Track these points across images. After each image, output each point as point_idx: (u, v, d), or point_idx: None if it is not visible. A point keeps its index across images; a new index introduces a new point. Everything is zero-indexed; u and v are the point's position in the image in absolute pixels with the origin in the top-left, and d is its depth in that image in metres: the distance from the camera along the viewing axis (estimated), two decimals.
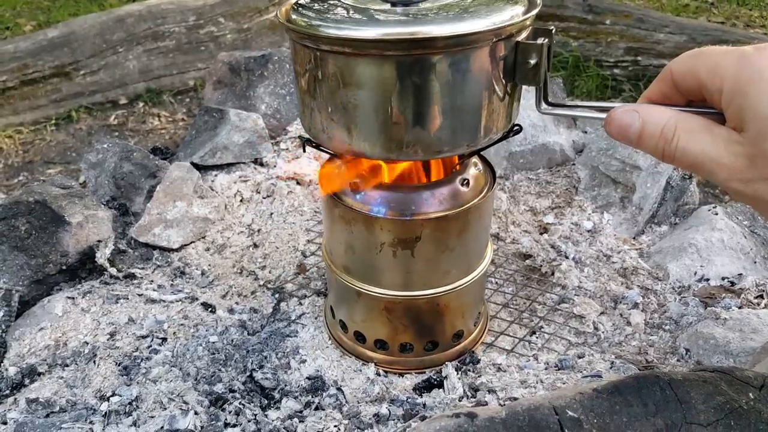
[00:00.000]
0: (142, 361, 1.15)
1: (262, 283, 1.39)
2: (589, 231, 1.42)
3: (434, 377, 1.08)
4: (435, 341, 1.12)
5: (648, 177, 1.39)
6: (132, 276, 1.37)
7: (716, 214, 1.32)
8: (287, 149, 1.78)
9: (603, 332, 1.22)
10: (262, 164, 1.71)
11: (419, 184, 1.03)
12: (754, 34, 3.20)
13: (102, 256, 1.36)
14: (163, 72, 3.56)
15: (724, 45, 0.58)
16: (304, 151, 1.06)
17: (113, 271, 1.36)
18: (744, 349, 1.06)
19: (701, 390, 0.73)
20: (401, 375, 1.13)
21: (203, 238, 1.51)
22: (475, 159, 1.07)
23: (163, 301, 1.30)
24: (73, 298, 1.29)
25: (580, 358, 1.16)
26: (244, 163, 1.70)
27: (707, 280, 1.25)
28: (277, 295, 1.35)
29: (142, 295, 1.32)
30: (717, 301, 1.18)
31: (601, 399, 0.71)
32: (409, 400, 1.03)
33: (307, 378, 1.11)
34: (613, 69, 3.51)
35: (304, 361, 1.15)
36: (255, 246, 1.50)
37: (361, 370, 1.13)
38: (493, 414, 0.71)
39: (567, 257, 1.37)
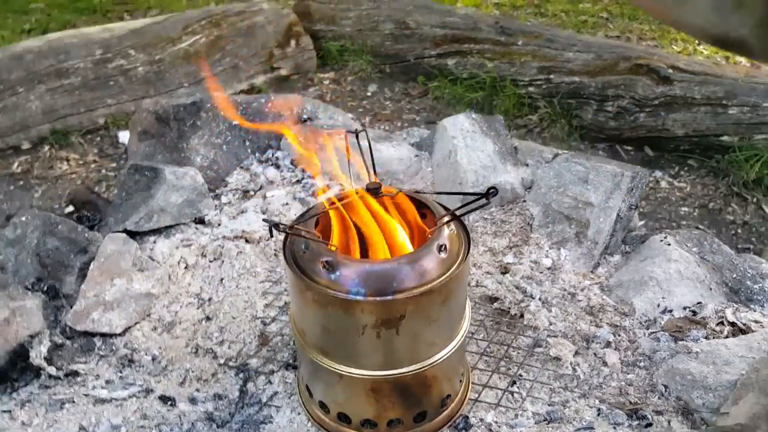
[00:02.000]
0: None
1: (222, 362, 1.28)
2: (549, 268, 1.42)
3: None
4: (423, 411, 1.07)
5: (600, 212, 1.41)
6: (74, 373, 1.22)
7: (669, 244, 1.36)
8: (229, 203, 1.67)
9: (581, 374, 1.22)
10: (204, 223, 1.60)
11: (396, 257, 0.97)
12: (652, 50, 3.40)
13: (37, 355, 1.20)
14: (69, 111, 3.32)
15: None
16: (271, 236, 0.98)
17: (52, 370, 1.21)
18: (720, 383, 1.08)
19: None
20: None
21: (148, 316, 1.38)
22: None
23: (115, 399, 1.17)
24: (10, 411, 1.13)
25: (564, 406, 1.15)
26: (184, 224, 1.57)
27: (671, 311, 1.28)
28: (241, 375, 1.25)
29: (89, 395, 1.18)
30: (685, 335, 1.21)
31: None
32: None
33: None
34: (528, 87, 3.62)
35: None
36: (208, 319, 1.38)
37: None
38: None
39: (533, 297, 1.37)
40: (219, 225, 1.58)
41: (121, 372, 1.25)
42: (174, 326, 1.36)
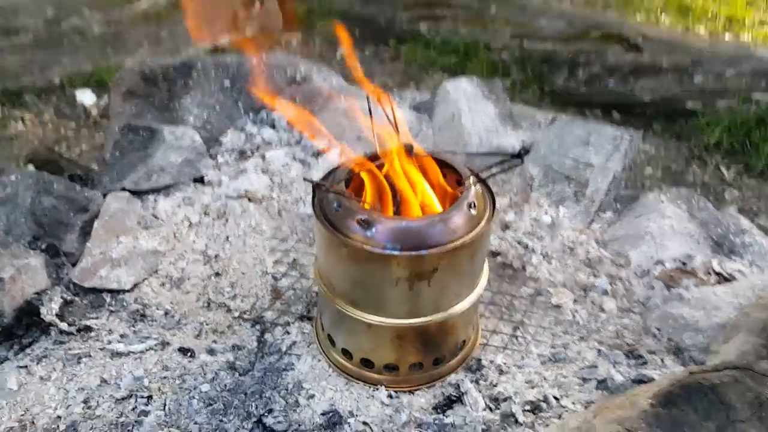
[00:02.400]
0: (132, 427, 1.05)
1: (236, 315, 1.32)
2: (548, 225, 1.51)
3: (453, 394, 1.10)
4: (442, 355, 1.14)
5: (599, 172, 1.51)
6: (87, 329, 1.24)
7: (662, 201, 1.47)
8: (227, 163, 1.68)
9: (581, 319, 1.32)
10: (203, 182, 1.61)
11: (430, 214, 1.03)
12: (621, 20, 3.51)
13: (48, 312, 1.21)
14: (20, 70, 3.21)
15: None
16: (314, 196, 1.02)
17: (64, 326, 1.22)
18: (711, 325, 1.19)
19: (736, 390, 0.81)
20: (411, 392, 1.14)
21: (156, 272, 1.39)
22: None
23: (133, 352, 1.19)
24: (26, 366, 1.14)
25: (566, 348, 1.24)
26: (183, 183, 1.58)
27: (663, 263, 1.39)
28: (257, 327, 1.29)
29: (104, 349, 1.20)
30: (678, 283, 1.32)
31: (660, 414, 0.77)
32: (436, 422, 1.04)
33: (321, 414, 1.08)
34: (501, 52, 3.69)
35: (312, 396, 1.12)
36: (217, 274, 1.41)
37: (373, 396, 1.12)
38: None
39: (534, 252, 1.45)
40: (220, 184, 1.60)
41: (134, 326, 1.27)
42: (183, 282, 1.39)
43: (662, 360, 1.19)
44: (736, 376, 0.85)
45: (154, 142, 1.53)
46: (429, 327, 1.08)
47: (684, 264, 1.37)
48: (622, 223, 1.49)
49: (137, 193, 1.52)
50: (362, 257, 1.01)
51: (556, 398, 1.08)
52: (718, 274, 1.35)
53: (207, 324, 1.30)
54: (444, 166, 1.12)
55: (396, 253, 0.98)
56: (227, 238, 1.50)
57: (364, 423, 1.04)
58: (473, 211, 1.04)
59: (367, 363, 1.14)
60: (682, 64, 3.28)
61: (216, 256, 1.45)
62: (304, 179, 1.02)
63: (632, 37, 3.42)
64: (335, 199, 1.03)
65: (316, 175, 1.67)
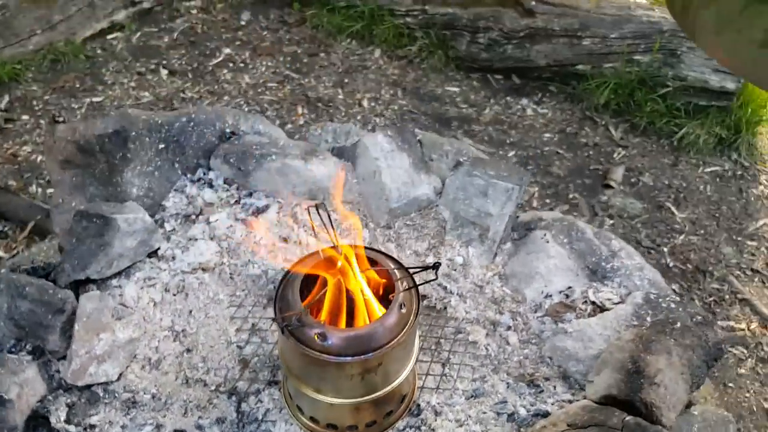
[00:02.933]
0: None
1: (213, 388, 1.60)
2: (461, 265, 1.86)
3: None
4: (391, 410, 1.50)
5: (497, 219, 1.85)
6: (92, 426, 1.49)
7: (547, 241, 1.84)
8: (174, 230, 1.88)
9: (492, 352, 1.70)
10: (157, 255, 1.81)
11: (372, 323, 1.33)
12: None
13: (58, 420, 1.45)
14: None
15: None
16: (283, 333, 1.29)
17: (72, 428, 1.47)
18: (587, 355, 1.61)
19: None
20: None
21: (135, 357, 1.64)
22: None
23: None
24: None
25: (484, 381, 1.63)
26: (140, 261, 1.78)
27: (551, 296, 1.78)
28: (233, 398, 1.59)
29: None
30: (562, 317, 1.72)
31: None
32: None
33: None
34: (406, 18, 3.86)
35: None
36: (188, 351, 1.67)
37: None
38: None
39: (452, 293, 1.80)
40: (174, 259, 1.81)
41: (128, 414, 1.53)
42: (161, 362, 1.64)
43: (554, 387, 1.60)
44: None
45: (109, 230, 1.70)
46: (379, 397, 1.42)
47: (567, 296, 1.78)
48: (518, 259, 1.86)
49: (103, 281, 1.71)
50: (323, 363, 1.32)
51: None
52: (593, 303, 1.77)
53: (190, 401, 1.57)
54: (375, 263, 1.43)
55: (348, 359, 1.30)
56: (190, 312, 1.74)
57: None
58: (403, 310, 1.36)
59: (332, 426, 1.48)
60: (571, 28, 3.60)
61: (183, 331, 1.71)
62: (273, 319, 1.28)
63: (526, 2, 3.68)
64: (295, 316, 1.32)
65: (259, 235, 1.91)
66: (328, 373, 1.34)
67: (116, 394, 1.56)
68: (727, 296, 2.76)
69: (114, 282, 1.74)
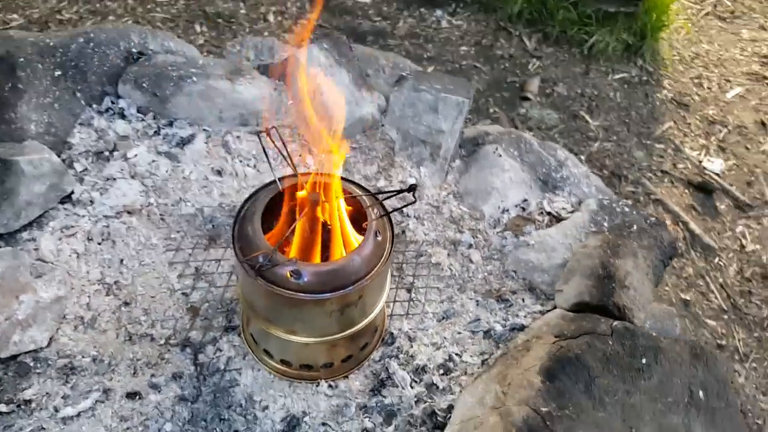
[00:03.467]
0: None
1: (162, 342, 1.46)
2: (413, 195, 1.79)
3: (381, 375, 1.42)
4: (366, 343, 1.45)
5: (449, 135, 1.78)
6: (27, 402, 1.31)
7: (500, 156, 1.81)
8: (86, 170, 1.65)
9: (456, 272, 1.68)
10: (73, 202, 1.59)
11: (349, 254, 1.24)
12: None
13: None
14: None
15: None
16: (254, 276, 1.16)
17: (2, 407, 1.28)
18: (552, 265, 1.63)
19: (590, 353, 1.23)
20: (346, 377, 1.44)
21: (65, 318, 1.45)
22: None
23: (83, 412, 1.31)
24: None
25: (452, 301, 1.61)
26: (53, 208, 1.55)
27: (508, 210, 1.77)
28: (188, 350, 1.46)
29: (53, 417, 1.29)
30: (522, 231, 1.72)
31: (550, 388, 1.17)
32: (378, 404, 1.36)
33: (280, 421, 1.34)
34: None
35: (266, 407, 1.36)
36: (126, 304, 1.50)
37: (317, 391, 1.40)
38: None
39: (409, 216, 1.74)
40: (92, 203, 1.59)
41: (67, 383, 1.36)
42: (95, 320, 1.46)
43: (523, 300, 1.61)
44: (588, 341, 1.27)
45: (11, 175, 1.45)
46: (356, 332, 1.36)
47: (523, 209, 1.78)
48: (471, 176, 1.82)
49: (11, 235, 1.48)
50: (299, 303, 1.22)
51: (458, 355, 1.46)
52: (549, 213, 1.78)
53: (137, 359, 1.42)
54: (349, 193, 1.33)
55: (327, 296, 1.21)
56: (121, 261, 1.55)
57: (323, 423, 1.34)
58: (379, 238, 1.28)
59: (306, 366, 1.40)
60: None
61: (116, 283, 1.52)
62: (240, 261, 1.15)
63: None
64: (262, 254, 1.20)
65: (188, 169, 1.72)
66: (305, 312, 1.25)
67: (50, 362, 1.38)
68: (641, 198, 2.92)
69: (25, 235, 1.51)
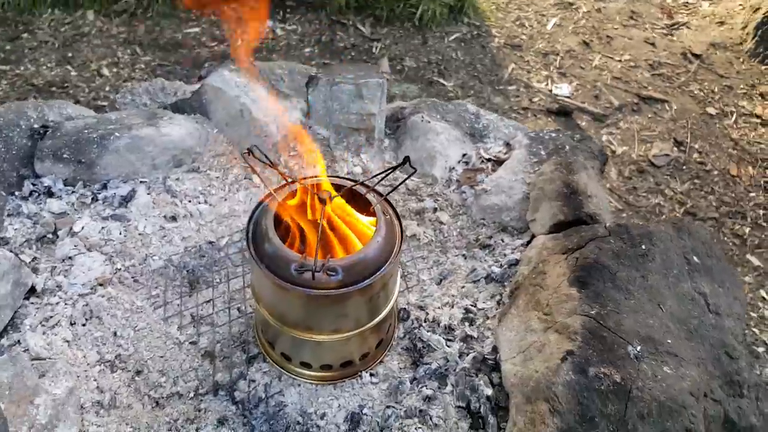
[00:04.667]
0: None
1: (191, 395, 1.48)
2: (362, 173, 1.94)
3: (418, 345, 1.56)
4: (390, 324, 1.57)
5: (379, 116, 1.95)
6: None
7: (429, 122, 2.01)
8: (36, 259, 1.61)
9: (432, 238, 1.85)
10: (38, 294, 1.55)
11: (371, 240, 1.34)
12: None
13: None
14: None
15: None
16: (312, 277, 1.23)
17: None
18: (515, 202, 1.84)
19: (604, 254, 1.45)
20: (381, 362, 1.56)
21: (83, 408, 1.43)
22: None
23: None
24: None
25: (441, 264, 1.78)
26: (21, 308, 1.51)
27: (454, 168, 1.98)
28: (222, 393, 1.49)
29: None
30: (475, 181, 1.93)
31: (588, 294, 1.38)
32: (426, 372, 1.49)
33: (343, 421, 1.44)
34: None
35: (323, 415, 1.44)
36: (138, 373, 1.50)
37: (362, 384, 1.50)
38: None
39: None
40: (60, 288, 1.55)
41: None
42: (115, 399, 1.44)
43: (502, 240, 1.82)
44: (596, 245, 1.47)
45: None
46: (385, 316, 1.46)
47: (467, 164, 1.99)
48: (408, 147, 1.98)
49: None
50: (317, 299, 1.31)
51: (473, 305, 1.63)
52: (489, 160, 2.01)
53: (175, 420, 1.43)
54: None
55: (359, 286, 1.30)
56: (115, 334, 1.54)
57: (387, 407, 1.45)
58: (388, 217, 1.41)
59: (347, 364, 1.50)
60: None
61: (118, 357, 1.51)
62: (287, 281, 1.20)
63: None
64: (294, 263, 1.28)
65: (141, 224, 1.73)
66: (349, 305, 1.32)
67: None
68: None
69: (4, 342, 1.45)
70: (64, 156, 1.69)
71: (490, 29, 3.81)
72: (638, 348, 1.28)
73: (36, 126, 1.74)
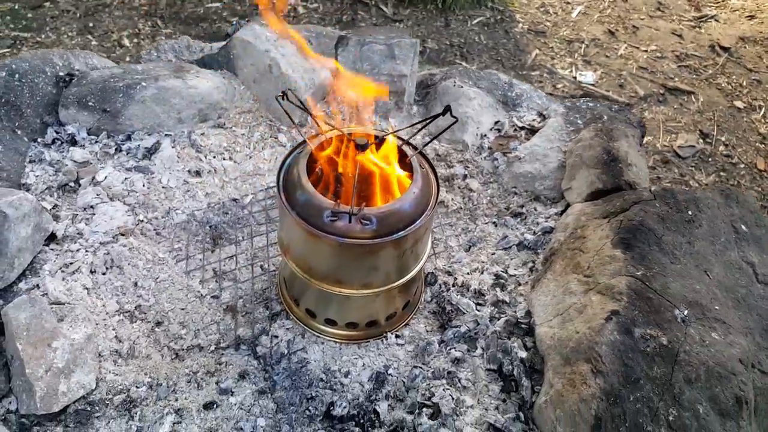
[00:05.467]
0: None
1: (212, 349, 1.44)
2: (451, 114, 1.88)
3: (447, 308, 1.50)
4: (417, 286, 1.52)
5: (410, 79, 1.89)
6: None
7: (461, 87, 1.95)
8: (57, 206, 1.56)
9: (462, 204, 1.79)
10: (58, 240, 1.50)
11: (407, 190, 1.28)
12: None
13: None
14: None
15: None
16: (350, 222, 1.18)
17: None
18: (550, 170, 1.79)
19: (649, 217, 1.40)
20: (407, 325, 1.50)
21: (100, 355, 1.38)
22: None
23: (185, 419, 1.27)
24: None
25: (470, 231, 1.73)
26: (41, 252, 1.47)
27: (486, 135, 1.92)
28: (243, 347, 1.44)
29: None
30: (508, 148, 1.87)
31: (634, 255, 1.32)
32: (455, 335, 1.44)
33: (368, 381, 1.38)
34: None
35: (348, 373, 1.39)
36: (159, 324, 1.46)
37: (387, 345, 1.45)
38: None
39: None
40: (81, 235, 1.51)
41: (133, 417, 1.30)
42: (134, 349, 1.40)
43: (535, 209, 1.76)
44: (641, 208, 1.41)
45: None
46: (414, 276, 1.40)
47: (499, 131, 1.93)
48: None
49: (8, 289, 1.38)
50: (356, 249, 1.24)
51: (504, 272, 1.58)
52: (522, 128, 1.95)
53: (195, 372, 1.39)
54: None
55: (401, 234, 1.23)
56: (135, 284, 1.50)
57: (414, 367, 1.39)
58: (424, 169, 1.35)
59: (372, 324, 1.45)
60: None
61: (138, 308, 1.47)
62: (331, 215, 1.14)
63: None
64: (326, 208, 1.22)
65: (164, 177, 1.68)
66: (381, 257, 1.26)
67: (106, 402, 1.31)
68: None
69: (23, 285, 1.41)
70: (89, 104, 1.64)
71: (514, 14, 3.75)
72: (685, 312, 1.22)
73: (62, 73, 1.69)
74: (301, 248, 1.32)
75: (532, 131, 1.93)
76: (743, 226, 1.46)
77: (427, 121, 1.33)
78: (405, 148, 1.35)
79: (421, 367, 1.38)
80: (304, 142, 1.32)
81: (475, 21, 3.65)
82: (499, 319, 1.44)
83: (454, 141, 1.89)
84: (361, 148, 1.26)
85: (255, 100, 1.84)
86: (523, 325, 1.40)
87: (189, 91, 1.72)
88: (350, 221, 1.17)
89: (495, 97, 2.01)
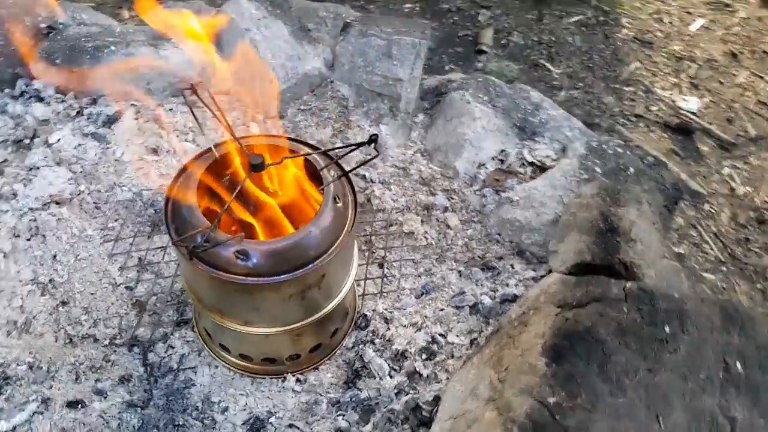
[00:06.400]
0: None
1: (106, 343, 1.39)
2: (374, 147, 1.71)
3: (356, 364, 1.35)
4: (336, 329, 1.37)
5: (408, 84, 1.69)
6: None
7: (468, 102, 1.72)
8: (6, 162, 1.56)
9: (432, 240, 1.60)
10: None
11: (305, 227, 1.14)
12: None
13: None
14: None
15: None
16: (190, 259, 1.06)
17: None
18: (542, 223, 1.55)
19: (602, 324, 1.13)
20: (316, 369, 1.37)
21: None
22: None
23: (20, 426, 1.24)
24: None
25: (431, 274, 1.54)
26: None
27: (484, 164, 1.69)
28: (136, 349, 1.38)
29: None
30: (504, 185, 1.64)
31: (557, 372, 1.08)
32: (353, 399, 1.29)
33: (242, 424, 1.27)
34: None
35: (225, 409, 1.29)
36: (64, 303, 1.42)
37: (283, 387, 1.33)
38: None
39: (374, 182, 1.66)
40: (15, 196, 1.50)
41: (1, 394, 1.28)
42: (30, 324, 1.38)
43: (512, 266, 1.54)
44: (598, 310, 1.16)
45: None
46: (322, 317, 1.27)
47: (502, 162, 1.70)
48: (439, 129, 1.73)
49: None
50: (248, 288, 1.12)
51: (442, 336, 1.39)
52: (531, 164, 1.70)
53: (80, 363, 1.34)
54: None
55: (282, 278, 1.11)
56: (54, 256, 1.47)
57: (290, 425, 1.26)
58: (339, 204, 1.19)
59: (269, 360, 1.32)
60: None
61: (51, 281, 1.44)
62: (173, 244, 1.04)
63: None
64: (198, 233, 1.10)
65: (119, 150, 1.62)
66: (259, 299, 1.17)
67: None
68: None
69: None
70: (57, 61, 1.60)
71: (620, 18, 3.34)
72: None
73: (42, 25, 1.65)
74: (182, 266, 1.21)
75: (542, 170, 1.68)
76: (739, 365, 1.16)
77: (351, 148, 1.16)
78: (326, 173, 1.18)
79: (297, 427, 1.25)
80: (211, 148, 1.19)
81: (573, 19, 3.29)
82: (404, 396, 1.26)
83: (445, 165, 1.69)
84: (255, 168, 1.11)
85: (233, 81, 1.72)
86: (423, 413, 1.23)
87: (158, 62, 1.63)
88: (189, 258, 1.04)
89: (510, 120, 1.77)
